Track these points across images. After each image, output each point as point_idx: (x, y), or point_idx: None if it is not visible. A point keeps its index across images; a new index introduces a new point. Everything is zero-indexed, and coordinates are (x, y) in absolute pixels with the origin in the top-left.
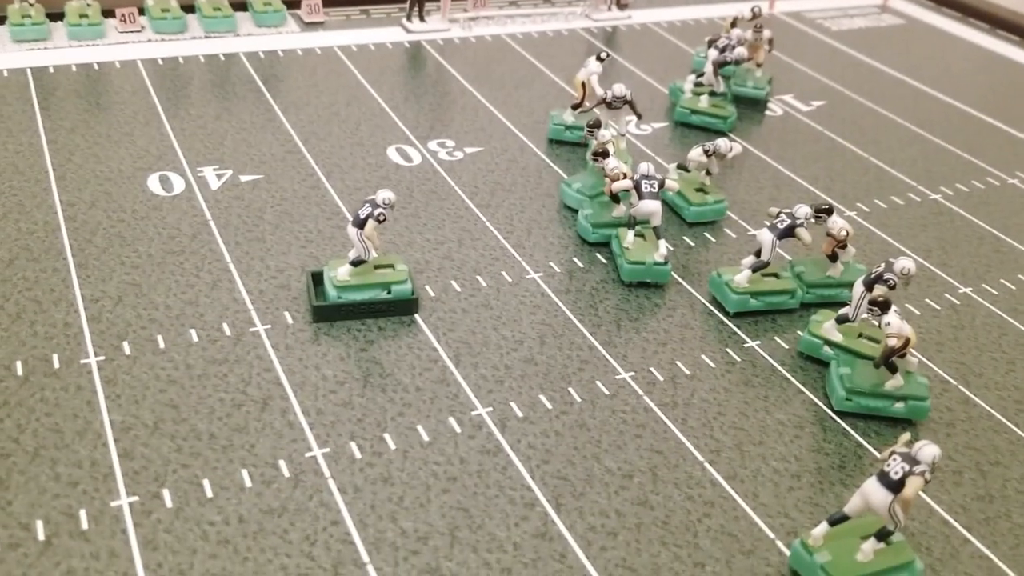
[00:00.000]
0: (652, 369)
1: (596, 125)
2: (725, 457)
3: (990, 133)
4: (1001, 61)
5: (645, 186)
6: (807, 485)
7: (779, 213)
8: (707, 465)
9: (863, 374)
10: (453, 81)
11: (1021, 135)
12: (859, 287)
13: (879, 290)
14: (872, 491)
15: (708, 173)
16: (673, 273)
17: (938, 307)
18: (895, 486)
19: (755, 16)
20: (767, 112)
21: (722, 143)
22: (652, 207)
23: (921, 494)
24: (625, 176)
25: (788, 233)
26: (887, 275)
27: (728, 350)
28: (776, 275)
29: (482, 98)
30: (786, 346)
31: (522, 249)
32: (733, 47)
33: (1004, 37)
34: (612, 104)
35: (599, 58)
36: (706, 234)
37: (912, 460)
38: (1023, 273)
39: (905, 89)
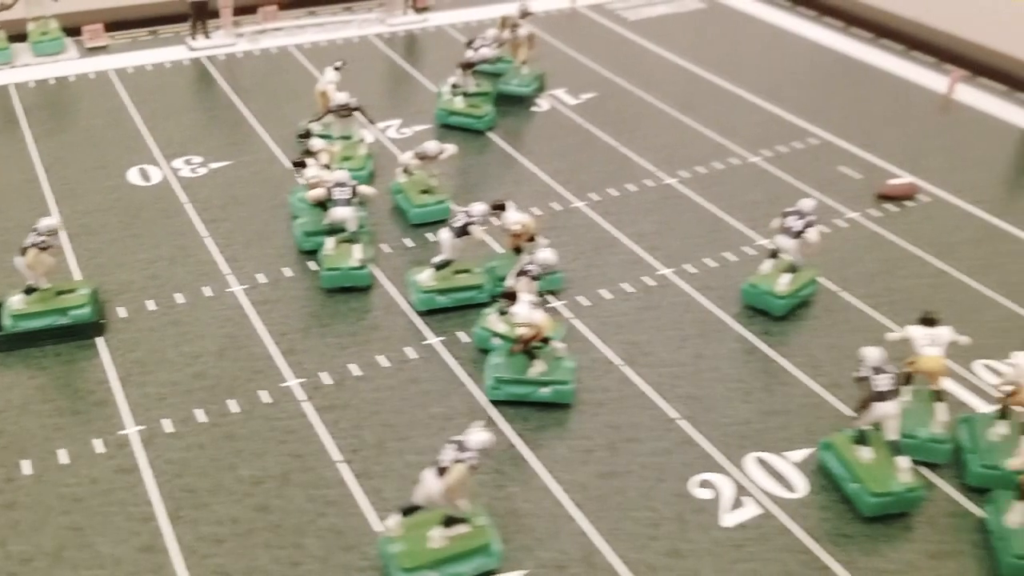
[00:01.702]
0: (322, 374)
1: (306, 135)
2: (362, 456)
3: (750, 111)
4: (793, 39)
5: (337, 193)
6: None
7: (458, 213)
8: (340, 465)
9: (513, 363)
10: (222, 97)
11: (778, 111)
12: (510, 279)
13: (522, 281)
14: (427, 480)
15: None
16: (382, 276)
17: (632, 290)
18: (439, 471)
19: (523, 15)
20: (533, 108)
21: (429, 145)
22: (343, 213)
23: (544, 474)
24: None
25: (464, 232)
26: (530, 267)
27: (406, 349)
28: (468, 271)
29: (247, 113)
30: (468, 340)
31: (235, 263)
32: (489, 47)
33: (802, 14)
34: (339, 112)
35: (335, 67)
36: (427, 235)
37: (463, 447)
38: (729, 251)
39: (680, 75)
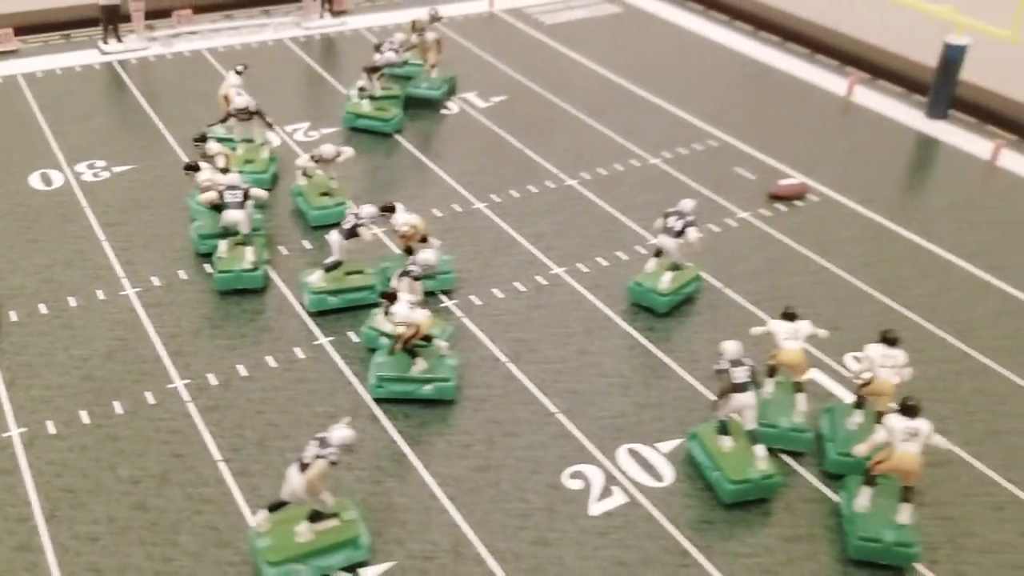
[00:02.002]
0: (209, 375)
1: (202, 139)
2: (243, 454)
3: (655, 115)
4: (704, 43)
5: (228, 196)
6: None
7: (348, 215)
8: (220, 464)
9: (396, 361)
10: (131, 101)
11: (682, 114)
12: (394, 280)
13: (404, 282)
14: (291, 476)
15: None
16: (278, 278)
17: (524, 289)
18: (301, 467)
19: (433, 19)
20: (443, 112)
21: (326, 148)
22: (235, 216)
23: (421, 469)
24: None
25: (353, 233)
26: (411, 267)
27: (296, 349)
28: (360, 272)
29: (155, 116)
30: (357, 340)
31: (131, 266)
32: (395, 51)
33: (714, 18)
34: (239, 116)
35: (237, 71)
36: (327, 237)
37: (325, 444)
38: (622, 251)
39: (591, 78)
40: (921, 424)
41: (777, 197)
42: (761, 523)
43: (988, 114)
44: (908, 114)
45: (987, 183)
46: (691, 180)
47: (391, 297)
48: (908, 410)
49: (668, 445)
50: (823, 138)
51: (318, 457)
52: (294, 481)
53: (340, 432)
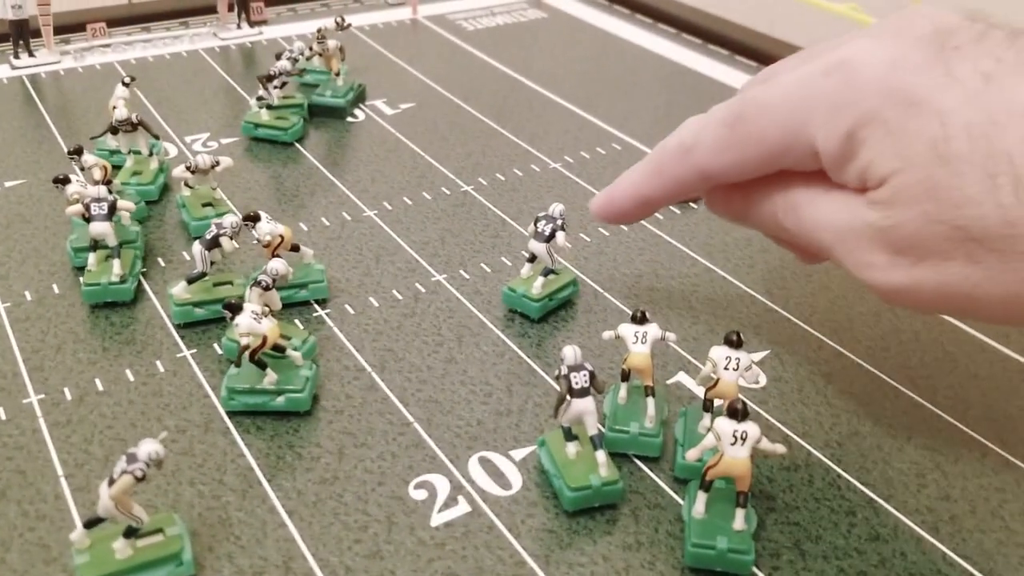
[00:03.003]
0: (66, 389)
1: (78, 152)
2: (86, 470)
3: (563, 119)
4: (626, 47)
5: (95, 208)
6: (157, 491)
7: (212, 223)
8: (63, 480)
9: (248, 373)
10: (34, 115)
11: (591, 118)
12: (247, 291)
13: (254, 292)
14: (101, 492)
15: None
16: (151, 290)
17: (401, 297)
18: (109, 482)
19: (339, 27)
20: (349, 119)
21: (201, 159)
22: (101, 228)
23: (264, 483)
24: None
25: (215, 243)
26: (261, 277)
27: (157, 361)
28: (230, 282)
29: (55, 130)
30: (220, 351)
31: (4, 280)
32: (295, 59)
33: (639, 21)
34: (122, 128)
35: (124, 83)
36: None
37: (133, 459)
38: (507, 256)
39: (504, 83)
40: (749, 427)
41: None
42: (604, 531)
43: None
44: None
45: None
46: (587, 184)
47: (235, 308)
48: (735, 413)
49: (521, 453)
50: None
51: (124, 472)
52: (103, 497)
53: (147, 447)
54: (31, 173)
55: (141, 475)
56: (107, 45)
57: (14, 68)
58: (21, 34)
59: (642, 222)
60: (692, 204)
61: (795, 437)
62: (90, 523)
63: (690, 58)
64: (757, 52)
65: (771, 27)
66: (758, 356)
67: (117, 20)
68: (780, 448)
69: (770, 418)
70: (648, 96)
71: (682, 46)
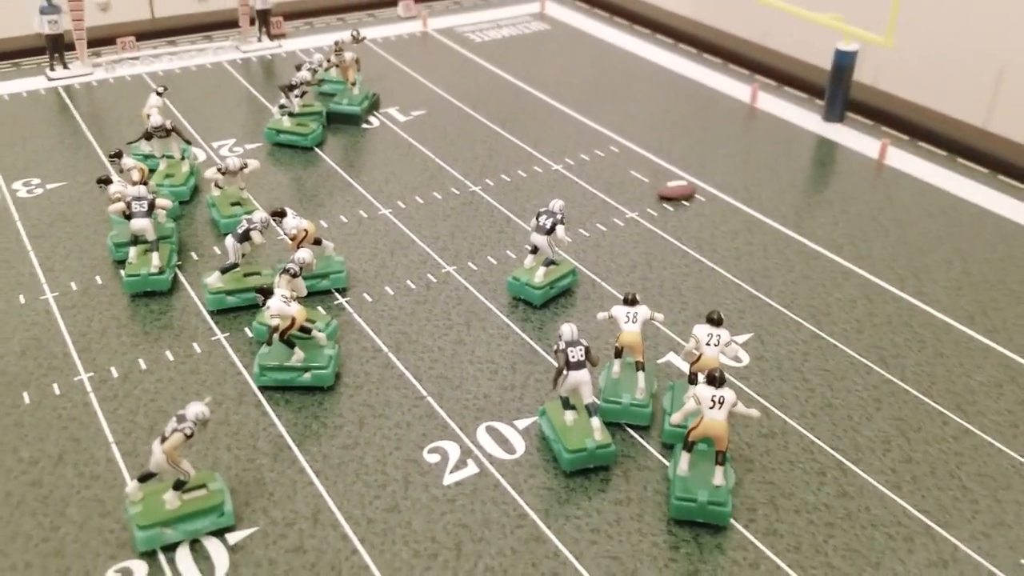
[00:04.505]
0: (112, 368)
1: (118, 155)
2: (133, 437)
3: (565, 124)
4: (624, 56)
5: (135, 206)
6: (199, 455)
7: (243, 219)
8: (112, 446)
9: (277, 352)
10: (71, 123)
11: (590, 122)
12: (276, 278)
13: (283, 279)
14: (154, 449)
15: (242, 188)
16: (186, 281)
17: (414, 286)
18: (162, 440)
19: (355, 40)
20: (364, 126)
21: (231, 161)
22: (141, 224)
23: (294, 447)
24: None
25: (246, 237)
26: (289, 265)
27: (194, 344)
28: (258, 272)
29: (91, 136)
30: (251, 334)
31: (52, 273)
32: (314, 70)
33: (637, 32)
34: (157, 134)
35: (157, 92)
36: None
37: (182, 419)
38: (511, 249)
39: (509, 91)
40: (725, 392)
41: (666, 198)
42: (598, 489)
43: (881, 115)
44: (808, 118)
45: (871, 180)
46: (587, 184)
47: (266, 292)
48: (713, 380)
49: (525, 422)
50: (723, 143)
51: (174, 431)
52: (156, 453)
53: (195, 408)
54: (70, 176)
55: (191, 432)
56: (136, 58)
57: (50, 80)
58: (56, 48)
59: (637, 218)
60: (684, 202)
61: (773, 409)
62: (143, 478)
63: (686, 66)
64: (749, 60)
65: (764, 37)
66: (742, 338)
67: (145, 34)
68: (754, 412)
69: (751, 392)
70: (646, 102)
71: (679, 55)
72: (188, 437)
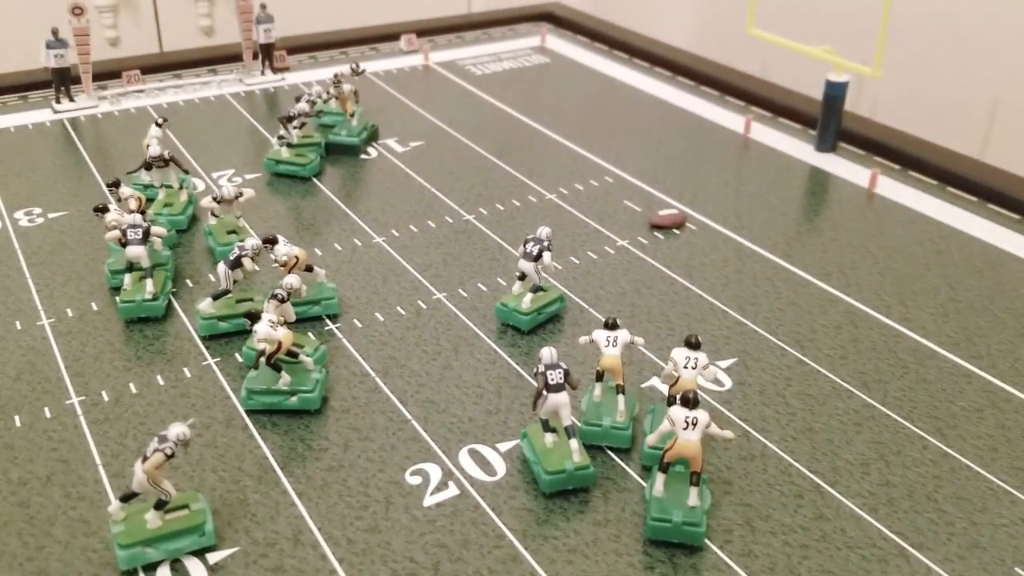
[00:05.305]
0: (103, 392)
1: (116, 184)
2: (121, 460)
3: (560, 154)
4: (622, 88)
5: (131, 234)
6: (185, 477)
7: (235, 246)
8: (101, 468)
9: (265, 376)
10: (75, 154)
11: (586, 153)
12: (265, 304)
13: (271, 304)
14: (135, 469)
15: (238, 216)
16: (179, 307)
17: (404, 313)
18: (143, 460)
19: (354, 73)
20: (363, 157)
21: (226, 189)
22: (136, 251)
23: (278, 469)
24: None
25: (237, 263)
26: (277, 291)
27: (185, 368)
28: (251, 298)
29: (93, 167)
30: (241, 359)
31: (49, 299)
32: (313, 102)
33: (636, 65)
34: (155, 164)
35: (157, 123)
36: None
37: (163, 439)
38: (502, 277)
39: (506, 123)
40: (699, 413)
41: (657, 226)
42: (577, 510)
43: (873, 145)
44: (801, 148)
45: (862, 209)
46: (579, 213)
47: (254, 317)
48: (687, 401)
49: (507, 445)
50: (716, 173)
51: (155, 451)
52: (137, 472)
53: (176, 429)
54: (72, 206)
55: (171, 453)
56: (141, 91)
57: (56, 112)
58: (63, 81)
59: (627, 246)
60: (675, 231)
61: (753, 432)
62: (125, 497)
63: (683, 98)
64: (746, 92)
65: (763, 71)
66: (725, 363)
67: (151, 67)
68: (728, 434)
69: (732, 416)
70: (642, 133)
71: (676, 87)
72: (169, 457)
